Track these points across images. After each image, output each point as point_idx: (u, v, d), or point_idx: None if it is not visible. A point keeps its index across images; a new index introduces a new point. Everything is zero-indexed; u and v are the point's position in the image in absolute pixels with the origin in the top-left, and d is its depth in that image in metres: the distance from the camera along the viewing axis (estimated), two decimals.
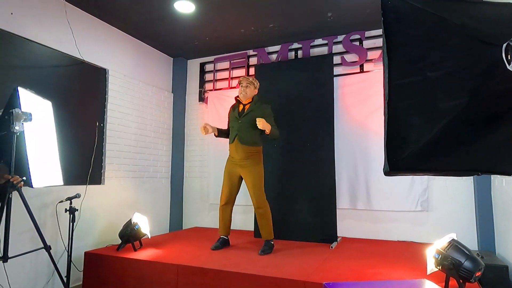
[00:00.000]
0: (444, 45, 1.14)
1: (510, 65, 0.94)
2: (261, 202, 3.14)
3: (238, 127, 3.17)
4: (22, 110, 2.23)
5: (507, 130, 1.16)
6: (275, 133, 3.12)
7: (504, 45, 0.95)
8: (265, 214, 3.16)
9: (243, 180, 3.23)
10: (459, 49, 1.12)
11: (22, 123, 2.22)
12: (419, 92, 1.18)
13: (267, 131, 3.01)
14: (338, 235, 3.59)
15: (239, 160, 3.16)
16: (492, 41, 1.02)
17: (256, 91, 3.29)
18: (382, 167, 1.18)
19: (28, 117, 2.21)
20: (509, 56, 0.94)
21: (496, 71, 1.05)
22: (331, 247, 3.34)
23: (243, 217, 4.33)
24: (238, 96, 3.28)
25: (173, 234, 4.21)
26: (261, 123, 2.96)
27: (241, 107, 3.25)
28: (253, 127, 3.08)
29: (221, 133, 3.34)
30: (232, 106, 3.36)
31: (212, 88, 4.80)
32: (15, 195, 2.29)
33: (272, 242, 3.17)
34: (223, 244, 3.28)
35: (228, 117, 3.37)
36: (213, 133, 3.29)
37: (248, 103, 3.23)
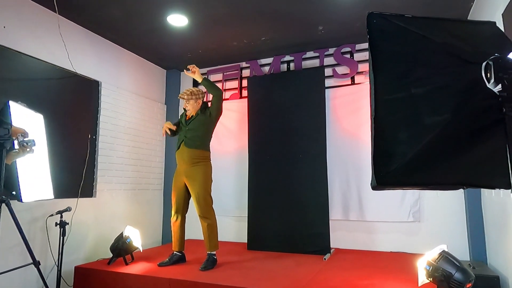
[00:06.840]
0: (428, 63, 1.18)
1: (490, 84, 0.97)
2: (206, 213, 3.04)
3: (185, 133, 3.18)
4: (14, 125, 2.22)
5: (491, 144, 1.19)
6: (211, 85, 3.24)
7: (484, 64, 0.98)
8: (212, 225, 3.06)
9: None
10: (441, 67, 1.15)
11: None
12: (404, 108, 1.21)
13: (198, 78, 3.16)
14: (331, 246, 3.59)
15: (185, 167, 3.09)
16: (472, 59, 1.05)
17: (200, 101, 3.28)
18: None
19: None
20: (488, 74, 0.97)
21: (478, 88, 1.08)
22: (324, 258, 3.34)
23: (236, 228, 4.31)
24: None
25: (166, 247, 4.16)
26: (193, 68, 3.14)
27: (188, 115, 3.29)
28: (200, 130, 3.15)
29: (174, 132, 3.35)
30: (181, 114, 3.40)
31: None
32: (4, 209, 2.26)
33: (215, 257, 3.07)
34: (175, 260, 3.14)
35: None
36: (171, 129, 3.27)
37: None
